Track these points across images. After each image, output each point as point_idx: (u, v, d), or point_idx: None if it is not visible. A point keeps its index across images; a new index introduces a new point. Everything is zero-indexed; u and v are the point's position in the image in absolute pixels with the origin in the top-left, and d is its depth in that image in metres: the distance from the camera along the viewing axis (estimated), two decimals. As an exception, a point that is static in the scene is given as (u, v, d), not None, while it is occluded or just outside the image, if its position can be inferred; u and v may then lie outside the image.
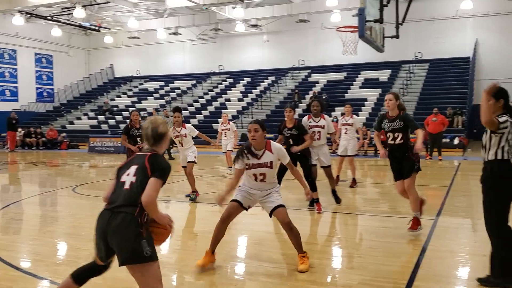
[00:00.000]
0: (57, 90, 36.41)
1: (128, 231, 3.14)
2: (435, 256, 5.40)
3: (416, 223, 6.28)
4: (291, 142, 7.75)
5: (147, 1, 29.23)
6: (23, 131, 27.27)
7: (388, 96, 6.35)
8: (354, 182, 10.70)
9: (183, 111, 31.44)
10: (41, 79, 35.90)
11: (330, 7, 27.09)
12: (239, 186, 5.10)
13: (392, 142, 6.34)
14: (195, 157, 9.07)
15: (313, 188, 7.58)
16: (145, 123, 3.51)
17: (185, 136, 8.99)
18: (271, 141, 4.95)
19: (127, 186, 3.25)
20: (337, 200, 8.39)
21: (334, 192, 8.45)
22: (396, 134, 6.28)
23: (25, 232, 6.81)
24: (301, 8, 28.62)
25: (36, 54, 35.34)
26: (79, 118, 31.89)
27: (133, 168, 3.31)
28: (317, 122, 8.23)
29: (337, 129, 10.47)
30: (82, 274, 3.53)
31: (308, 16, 29.05)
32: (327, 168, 8.34)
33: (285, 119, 7.88)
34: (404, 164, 6.31)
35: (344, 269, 5.13)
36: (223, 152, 13.98)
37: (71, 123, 31.44)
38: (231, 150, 13.60)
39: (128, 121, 10.24)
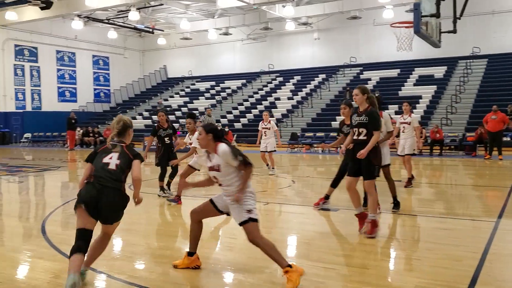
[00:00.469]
0: (113, 91, 37.71)
1: (117, 202, 4.27)
2: (497, 259, 5.15)
3: (373, 226, 6.04)
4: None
5: (198, 2, 29.69)
6: (81, 130, 28.38)
7: (355, 91, 6.20)
8: (409, 182, 10.40)
9: (233, 111, 31.80)
10: (98, 80, 37.28)
11: (382, 3, 26.56)
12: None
13: (356, 137, 6.14)
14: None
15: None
16: (114, 120, 4.61)
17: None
18: (219, 144, 4.52)
19: (112, 167, 4.28)
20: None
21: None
22: (360, 130, 6.09)
23: (84, 227, 7.03)
24: (353, 5, 28.20)
25: (93, 56, 36.74)
26: (134, 118, 32.84)
27: (114, 155, 4.35)
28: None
29: (395, 127, 10.07)
30: (85, 245, 4.25)
31: (359, 12, 28.58)
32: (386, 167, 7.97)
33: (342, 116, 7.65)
34: (363, 165, 6.04)
35: (400, 271, 4.99)
36: (261, 151, 13.33)
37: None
38: (274, 151, 13.19)
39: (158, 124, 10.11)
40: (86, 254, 4.23)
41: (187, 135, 9.03)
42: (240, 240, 6.18)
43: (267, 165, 13.20)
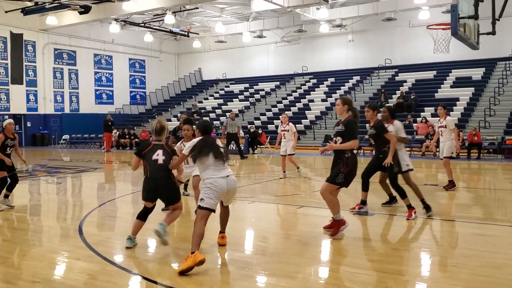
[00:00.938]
0: (149, 93, 38.36)
1: (170, 187, 5.66)
2: (539, 269, 4.96)
3: (336, 227, 6.17)
4: (372, 142, 7.61)
5: (233, 5, 29.88)
6: (118, 132, 28.95)
7: (337, 101, 6.45)
8: (451, 185, 10.17)
9: (266, 113, 31.65)
10: (135, 83, 38.01)
11: (418, 4, 26.08)
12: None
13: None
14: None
15: (403, 195, 7.35)
16: (154, 122, 5.87)
17: None
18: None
19: (161, 162, 5.56)
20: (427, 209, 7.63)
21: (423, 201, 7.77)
22: (337, 138, 6.21)
23: (120, 229, 7.15)
24: (388, 6, 27.80)
25: (130, 59, 37.49)
26: (169, 120, 33.25)
27: (160, 151, 5.60)
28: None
29: (435, 132, 10.27)
30: (144, 215, 5.85)
31: (394, 14, 28.15)
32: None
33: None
34: (331, 168, 6.32)
35: (436, 278, 4.86)
36: (281, 155, 12.94)
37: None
38: (292, 154, 12.77)
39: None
40: (164, 219, 5.67)
41: (181, 141, 8.25)
42: (272, 244, 6.17)
43: (298, 168, 13.02)
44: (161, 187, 5.59)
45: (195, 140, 5.37)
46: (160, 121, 5.89)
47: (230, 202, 5.74)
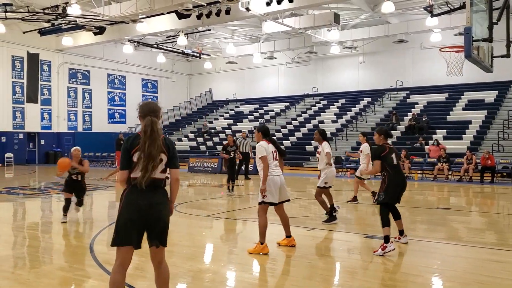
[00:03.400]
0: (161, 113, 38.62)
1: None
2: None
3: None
4: None
5: (244, 27, 30.22)
6: (129, 151, 29.05)
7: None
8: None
9: (276, 133, 31.67)
10: (147, 103, 38.34)
11: (430, 26, 26.15)
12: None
13: None
14: None
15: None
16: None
17: None
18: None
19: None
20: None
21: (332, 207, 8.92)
22: None
23: (130, 248, 7.14)
24: (399, 29, 27.93)
25: (142, 79, 37.94)
26: (180, 140, 33.45)
27: None
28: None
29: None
30: None
31: (406, 36, 28.25)
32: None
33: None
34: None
35: (449, 304, 4.78)
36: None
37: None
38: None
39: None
40: None
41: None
42: (281, 266, 6.12)
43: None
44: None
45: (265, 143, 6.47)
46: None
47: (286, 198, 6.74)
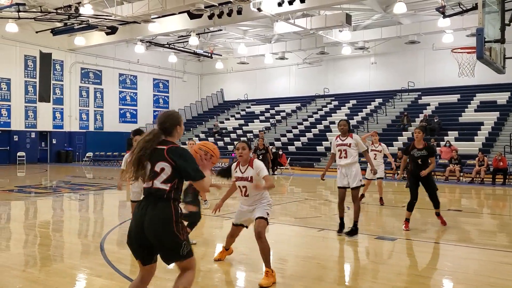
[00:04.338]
0: (172, 113, 38.78)
1: None
2: None
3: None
4: (420, 163, 8.05)
5: (256, 28, 30.24)
6: (140, 151, 29.19)
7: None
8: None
9: (287, 134, 31.93)
10: (158, 103, 38.55)
11: (442, 27, 25.96)
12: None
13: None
14: None
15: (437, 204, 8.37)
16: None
17: None
18: (254, 158, 5.61)
19: None
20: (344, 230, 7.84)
21: (342, 219, 7.94)
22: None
23: (140, 247, 7.17)
24: (411, 30, 27.77)
25: (154, 79, 38.13)
26: (191, 139, 33.48)
27: None
28: (343, 141, 7.81)
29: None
30: None
31: (418, 37, 28.07)
32: (354, 190, 7.75)
33: (414, 139, 8.26)
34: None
35: (460, 307, 4.74)
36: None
37: (184, 144, 33.14)
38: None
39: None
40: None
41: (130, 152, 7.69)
42: (291, 267, 6.11)
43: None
44: None
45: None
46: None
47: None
